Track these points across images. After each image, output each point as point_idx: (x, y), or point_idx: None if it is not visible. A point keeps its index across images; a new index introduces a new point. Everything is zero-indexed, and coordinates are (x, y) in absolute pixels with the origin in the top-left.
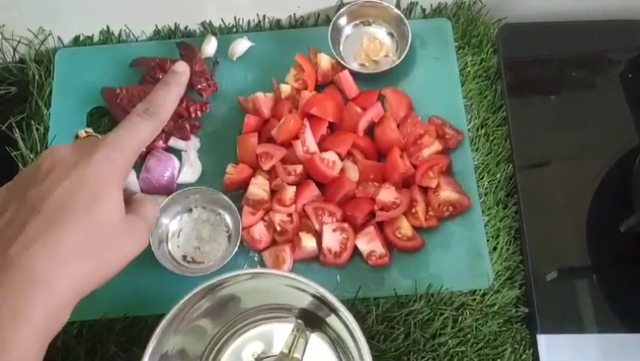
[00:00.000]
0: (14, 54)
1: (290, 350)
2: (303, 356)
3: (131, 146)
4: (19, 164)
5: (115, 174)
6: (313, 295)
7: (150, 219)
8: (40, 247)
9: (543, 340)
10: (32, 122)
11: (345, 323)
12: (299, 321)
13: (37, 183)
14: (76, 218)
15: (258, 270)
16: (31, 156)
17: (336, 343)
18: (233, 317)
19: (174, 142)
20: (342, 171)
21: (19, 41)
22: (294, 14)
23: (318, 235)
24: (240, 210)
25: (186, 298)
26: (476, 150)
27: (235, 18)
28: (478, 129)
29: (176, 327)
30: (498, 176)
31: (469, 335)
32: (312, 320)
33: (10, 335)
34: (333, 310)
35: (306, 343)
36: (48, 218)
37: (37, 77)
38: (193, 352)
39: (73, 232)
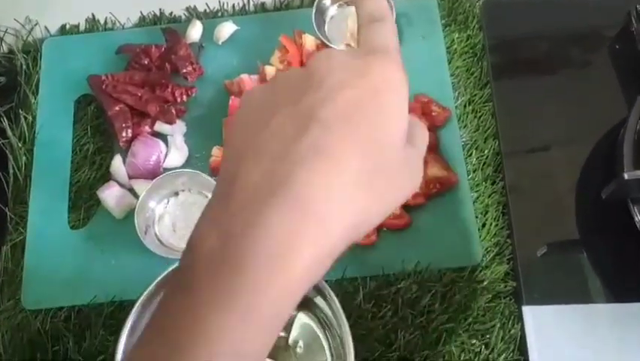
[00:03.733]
0: (1, 45)
1: None
2: (289, 334)
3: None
4: (8, 153)
5: (406, 91)
6: None
7: (423, 149)
8: (318, 168)
9: (528, 311)
10: (20, 111)
11: (329, 304)
12: None
13: (313, 90)
14: (364, 138)
15: None
16: (19, 145)
17: (324, 323)
18: None
19: (160, 127)
20: None
21: (5, 32)
22: None
23: None
24: None
25: (166, 273)
26: (464, 126)
27: (220, 2)
28: (465, 106)
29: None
30: (486, 152)
31: (457, 312)
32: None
33: (271, 276)
34: (319, 291)
35: (292, 321)
36: (330, 131)
37: (24, 67)
38: None
39: (360, 155)
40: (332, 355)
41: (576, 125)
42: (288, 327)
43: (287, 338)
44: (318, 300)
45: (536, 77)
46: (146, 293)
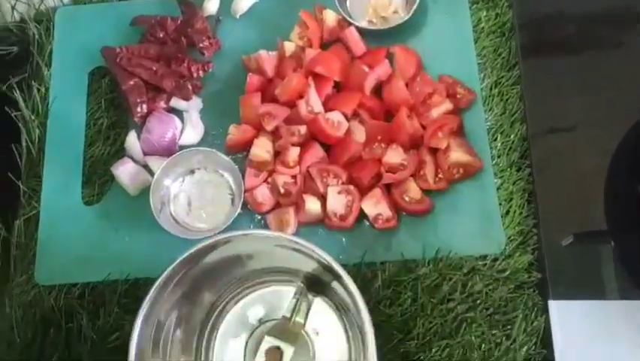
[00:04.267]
0: (13, 13)
1: (292, 314)
2: (306, 320)
3: None
4: (20, 125)
5: None
6: (317, 261)
7: None
8: None
9: (555, 306)
10: (33, 82)
11: (348, 290)
12: (300, 284)
13: None
14: None
15: (255, 231)
16: (32, 117)
17: (341, 308)
18: (236, 280)
19: (176, 102)
20: (348, 131)
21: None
22: None
23: (323, 198)
24: (243, 171)
25: (179, 260)
26: (490, 109)
27: None
28: (491, 88)
29: (172, 290)
30: (512, 137)
31: (478, 301)
32: (316, 284)
33: None
34: (337, 277)
35: (309, 307)
36: None
37: (37, 36)
38: (194, 316)
39: None
40: (349, 340)
41: (608, 109)
42: (304, 313)
43: (303, 324)
44: (335, 285)
45: (567, 58)
46: (163, 276)
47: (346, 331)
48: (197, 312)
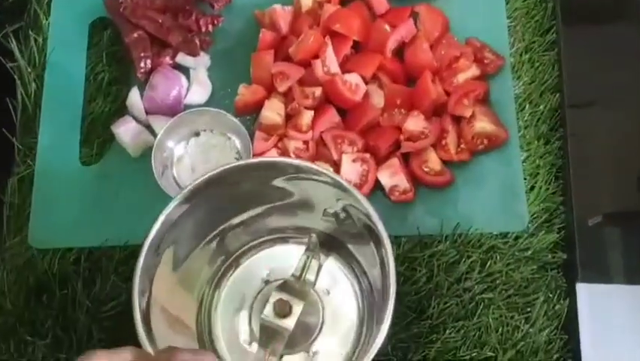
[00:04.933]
0: None
1: (302, 272)
2: (316, 278)
3: None
4: (16, 77)
5: None
6: (336, 185)
7: None
8: None
9: (583, 289)
10: (30, 32)
11: (376, 242)
12: (313, 236)
13: None
14: None
15: (276, 158)
16: (29, 69)
17: (355, 269)
18: (243, 236)
19: (182, 59)
20: (366, 95)
21: None
22: None
23: (337, 166)
24: (252, 135)
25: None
26: (518, 77)
27: None
28: (521, 54)
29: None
30: (541, 107)
31: (497, 281)
32: (329, 243)
33: None
34: (367, 227)
35: (320, 265)
36: None
37: None
38: (203, 268)
39: None
40: (360, 302)
41: None
42: (315, 271)
43: (314, 282)
44: (352, 245)
45: (612, 24)
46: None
47: (357, 292)
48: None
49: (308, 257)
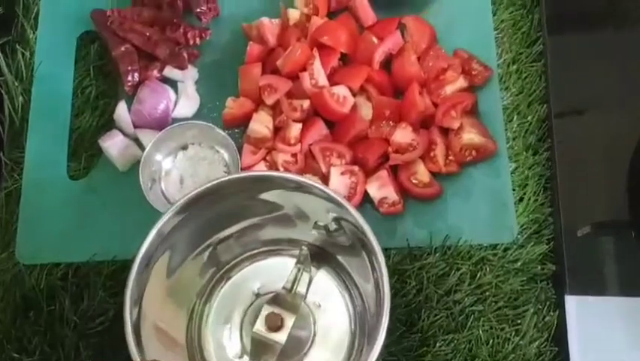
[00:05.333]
0: None
1: (293, 285)
2: (307, 291)
3: None
4: (3, 92)
5: None
6: (328, 199)
7: None
8: None
9: (572, 301)
10: (18, 46)
11: (369, 256)
12: (304, 248)
13: None
14: None
15: (268, 172)
16: (16, 83)
17: (346, 282)
18: (234, 248)
19: (170, 72)
20: (354, 107)
21: None
22: None
23: (325, 179)
24: (240, 148)
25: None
26: (506, 88)
27: None
28: (509, 65)
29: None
30: (529, 118)
31: (487, 293)
32: (319, 256)
33: None
34: (360, 241)
35: (311, 278)
36: None
37: None
38: (192, 282)
39: None
40: (351, 315)
41: (637, 90)
42: (306, 283)
43: (304, 295)
44: (343, 257)
45: (596, 33)
46: (145, 247)
47: (349, 305)
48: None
49: (299, 270)
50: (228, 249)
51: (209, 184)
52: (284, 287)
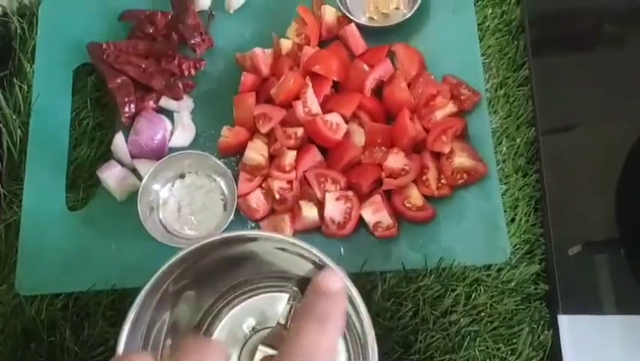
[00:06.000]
0: None
1: (287, 321)
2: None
3: None
4: (1, 125)
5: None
6: (314, 263)
7: None
8: None
9: (565, 321)
10: (15, 79)
11: (350, 300)
12: (295, 289)
13: None
14: None
15: (253, 233)
16: (14, 117)
17: None
18: (226, 287)
19: (166, 102)
20: (347, 134)
21: None
22: None
23: (320, 204)
24: (236, 176)
25: (167, 265)
26: (494, 112)
27: None
28: (497, 89)
29: (161, 297)
30: (518, 141)
31: (482, 314)
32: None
33: None
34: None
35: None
36: None
37: (19, 31)
38: (184, 324)
39: None
40: (347, 346)
41: (621, 109)
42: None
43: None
44: None
45: (579, 55)
46: (150, 283)
47: (346, 332)
48: (188, 319)
49: (292, 306)
50: (222, 296)
51: (191, 248)
52: (278, 323)
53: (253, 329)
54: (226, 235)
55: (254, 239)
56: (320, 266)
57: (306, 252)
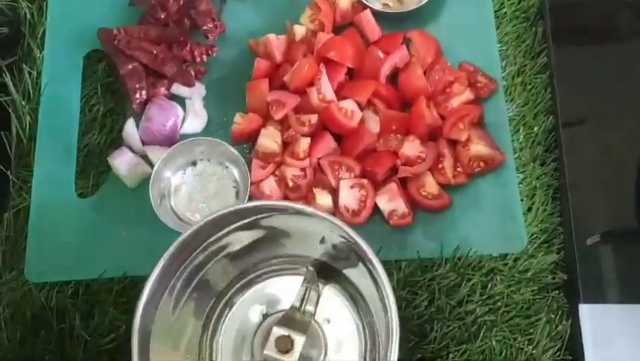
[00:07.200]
0: None
1: (302, 303)
2: (316, 308)
3: None
4: (10, 110)
5: None
6: (341, 237)
7: None
8: None
9: (586, 310)
10: (24, 65)
11: (370, 271)
12: (310, 268)
13: None
14: None
15: (274, 202)
16: (23, 103)
17: (354, 296)
18: (241, 270)
19: (177, 89)
20: (362, 121)
21: None
22: None
23: (335, 192)
24: (249, 163)
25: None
26: (511, 100)
27: None
28: (514, 77)
29: (177, 277)
30: (535, 129)
31: (499, 303)
32: (325, 271)
33: None
34: (360, 258)
35: (319, 295)
36: None
37: (29, 16)
38: (199, 307)
39: None
40: (361, 329)
41: None
42: (314, 301)
43: (313, 313)
44: (349, 272)
45: (601, 43)
46: (159, 268)
47: (358, 319)
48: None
49: (306, 289)
50: (224, 270)
51: (209, 218)
52: (292, 306)
53: (267, 313)
54: (259, 202)
55: (284, 210)
56: (345, 241)
57: (331, 225)
